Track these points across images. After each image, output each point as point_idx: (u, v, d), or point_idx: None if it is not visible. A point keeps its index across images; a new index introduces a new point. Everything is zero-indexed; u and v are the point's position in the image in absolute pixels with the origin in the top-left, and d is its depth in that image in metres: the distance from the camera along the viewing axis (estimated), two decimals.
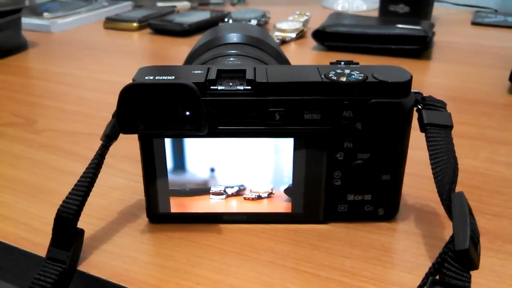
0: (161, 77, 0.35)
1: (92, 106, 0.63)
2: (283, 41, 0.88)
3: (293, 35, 0.89)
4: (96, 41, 0.94)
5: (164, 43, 0.91)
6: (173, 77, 0.35)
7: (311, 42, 0.86)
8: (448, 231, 0.38)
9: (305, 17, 0.94)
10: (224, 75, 0.37)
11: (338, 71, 0.36)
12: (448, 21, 1.02)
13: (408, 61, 0.77)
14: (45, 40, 0.93)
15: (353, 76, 0.35)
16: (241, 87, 0.35)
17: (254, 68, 0.37)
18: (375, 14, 1.00)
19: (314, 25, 0.89)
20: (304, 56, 0.82)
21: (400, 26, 0.80)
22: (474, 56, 0.82)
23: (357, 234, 0.38)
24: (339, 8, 1.14)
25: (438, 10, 1.02)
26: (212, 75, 0.36)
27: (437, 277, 0.28)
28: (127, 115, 0.34)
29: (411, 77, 0.36)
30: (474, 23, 1.01)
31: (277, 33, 0.88)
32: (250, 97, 0.35)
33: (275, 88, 0.35)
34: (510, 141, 0.52)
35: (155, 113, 0.34)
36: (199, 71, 0.36)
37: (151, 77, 0.35)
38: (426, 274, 0.28)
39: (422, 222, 0.39)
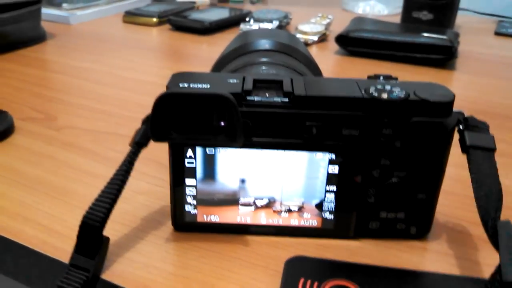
0: (195, 85, 0.34)
1: (112, 103, 0.62)
2: (305, 44, 0.86)
3: (315, 38, 0.87)
4: (115, 35, 0.93)
5: (184, 40, 0.90)
6: (209, 86, 0.34)
7: (333, 45, 0.84)
8: (482, 253, 0.37)
9: (328, 20, 0.93)
10: (260, 85, 0.36)
11: (379, 87, 0.35)
12: (471, 30, 1.01)
13: (432, 70, 0.76)
14: (63, 31, 0.92)
15: (395, 93, 0.34)
16: (279, 99, 0.34)
17: (291, 80, 0.36)
18: (396, 19, 0.99)
19: (336, 28, 0.87)
20: (326, 61, 0.81)
21: (425, 34, 0.78)
22: (500, 68, 0.80)
23: (388, 252, 0.37)
24: (359, 11, 1.13)
25: (460, 18, 1.01)
26: (249, 85, 0.35)
27: None
28: (160, 123, 0.33)
29: (454, 96, 0.35)
30: (497, 33, 0.99)
31: (298, 35, 0.87)
32: (288, 110, 0.34)
33: (314, 102, 0.34)
34: None
35: (189, 123, 0.33)
36: (235, 80, 0.35)
37: (186, 85, 0.34)
38: None
39: (454, 243, 0.38)
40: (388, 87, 0.35)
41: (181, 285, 0.34)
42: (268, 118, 0.34)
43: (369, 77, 0.38)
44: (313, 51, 0.85)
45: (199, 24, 0.91)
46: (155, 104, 0.32)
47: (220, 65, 0.46)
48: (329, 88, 0.35)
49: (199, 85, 0.34)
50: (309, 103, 0.34)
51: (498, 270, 0.27)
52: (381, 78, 0.37)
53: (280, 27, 0.92)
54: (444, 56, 0.76)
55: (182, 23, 0.93)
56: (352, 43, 0.81)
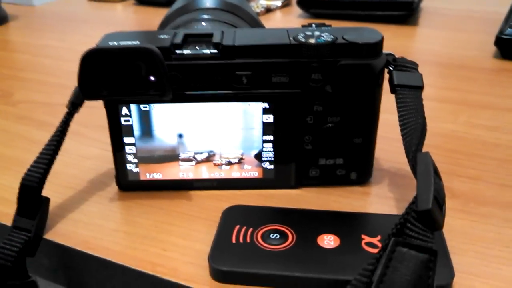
0: (125, 42, 0.34)
1: (72, 78, 0.61)
2: (268, 10, 0.86)
3: (279, 3, 0.87)
4: (80, 13, 0.92)
5: (148, 14, 0.89)
6: (138, 42, 0.34)
7: (296, 10, 0.84)
8: None
9: None
10: (191, 39, 0.36)
11: (308, 33, 0.35)
12: None
13: (394, 27, 0.76)
14: (27, 13, 0.91)
15: (322, 38, 0.34)
16: (207, 51, 0.34)
17: (222, 32, 0.36)
18: None
19: None
20: (289, 25, 0.81)
21: None
22: (462, 21, 0.80)
23: (329, 198, 0.38)
24: None
25: None
26: (178, 39, 0.35)
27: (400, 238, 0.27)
28: (89, 81, 0.33)
29: (382, 37, 0.35)
30: None
31: (262, 2, 0.87)
32: (216, 61, 0.34)
33: (242, 51, 0.34)
34: (491, 105, 0.52)
35: (118, 79, 0.33)
36: (165, 36, 0.36)
37: (116, 43, 0.35)
38: (389, 235, 0.27)
39: (396, 186, 0.39)
40: (317, 33, 0.35)
41: (122, 240, 0.34)
42: (198, 71, 0.35)
43: (302, 26, 0.38)
44: (277, 17, 0.85)
45: None
46: (81, 61, 0.32)
47: (163, 25, 0.46)
48: (258, 37, 0.35)
49: (129, 42, 0.34)
50: (238, 53, 0.34)
51: (415, 200, 0.27)
52: (313, 25, 0.37)
53: None
54: (405, 12, 0.76)
55: None
56: (314, 5, 0.80)
